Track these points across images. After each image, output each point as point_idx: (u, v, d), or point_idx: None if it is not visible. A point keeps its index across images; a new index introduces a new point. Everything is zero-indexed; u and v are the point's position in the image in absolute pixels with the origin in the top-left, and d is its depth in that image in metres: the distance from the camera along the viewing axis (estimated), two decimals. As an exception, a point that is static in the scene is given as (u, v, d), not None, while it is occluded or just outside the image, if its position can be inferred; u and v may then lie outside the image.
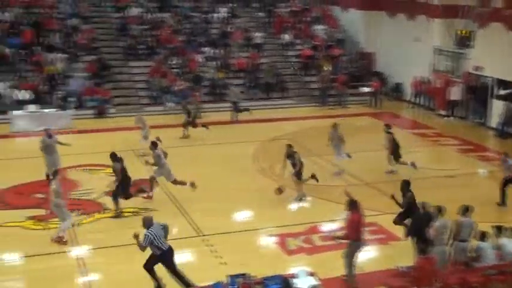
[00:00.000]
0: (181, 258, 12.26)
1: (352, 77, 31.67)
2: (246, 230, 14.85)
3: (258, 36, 33.24)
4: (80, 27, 30.91)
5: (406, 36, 30.25)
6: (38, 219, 15.31)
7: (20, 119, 24.80)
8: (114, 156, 15.77)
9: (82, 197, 16.97)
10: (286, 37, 33.87)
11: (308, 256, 13.46)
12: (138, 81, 29.83)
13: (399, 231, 13.65)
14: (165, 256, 11.38)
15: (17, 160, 20.43)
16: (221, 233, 14.36)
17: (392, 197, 13.36)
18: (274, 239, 14.20)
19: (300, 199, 16.69)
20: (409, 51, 29.96)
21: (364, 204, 12.07)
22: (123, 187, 15.69)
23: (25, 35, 29.23)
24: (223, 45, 32.28)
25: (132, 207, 15.96)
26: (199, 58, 31.03)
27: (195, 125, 23.73)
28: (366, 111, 29.20)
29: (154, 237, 11.18)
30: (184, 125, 23.65)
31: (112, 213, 15.65)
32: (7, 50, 28.23)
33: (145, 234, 11.22)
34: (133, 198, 16.05)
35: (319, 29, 34.72)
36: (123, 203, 15.69)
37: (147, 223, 11.41)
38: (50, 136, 17.90)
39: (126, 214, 15.61)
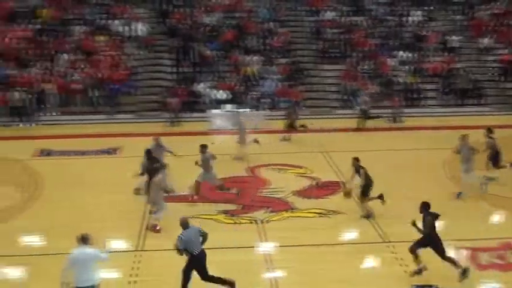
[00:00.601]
0: (364, 263, 12.16)
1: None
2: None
3: (454, 40, 31.97)
4: (275, 31, 31.98)
5: None
6: (230, 213, 16.11)
7: (218, 117, 26.29)
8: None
9: (271, 195, 17.54)
10: (486, 41, 32.15)
11: (501, 273, 12.72)
12: (330, 84, 30.14)
13: None
14: (194, 261, 11.45)
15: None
16: (407, 241, 14.02)
17: (414, 223, 12.15)
18: (464, 252, 13.58)
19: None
20: None
21: None
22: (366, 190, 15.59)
23: (225, 37, 30.89)
24: (417, 48, 31.51)
25: (319, 208, 16.20)
26: (391, 62, 30.60)
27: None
28: None
29: (185, 241, 11.34)
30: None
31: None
32: (208, 52, 30.03)
33: (178, 237, 11.44)
34: (321, 200, 16.25)
35: (524, 32, 32.53)
36: (311, 203, 15.93)
37: (183, 225, 11.58)
38: (158, 145, 17.94)
39: (310, 215, 15.88)
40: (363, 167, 15.53)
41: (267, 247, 14.14)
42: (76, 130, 25.18)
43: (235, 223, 15.49)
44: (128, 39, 30.43)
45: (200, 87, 28.51)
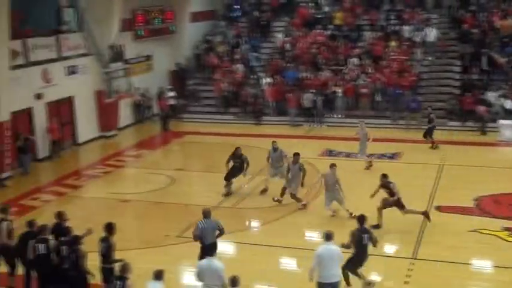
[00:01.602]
0: None
1: None
2: None
3: None
4: None
5: None
6: (513, 231, 15.21)
7: (508, 128, 24.79)
8: None
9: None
10: None
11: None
12: None
13: None
14: (204, 250, 12.01)
15: (500, 169, 20.62)
16: None
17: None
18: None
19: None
20: None
21: None
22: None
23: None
24: None
25: None
26: None
27: None
28: None
29: (200, 229, 12.14)
30: None
31: None
32: (502, 59, 28.38)
33: (197, 223, 12.28)
34: None
35: None
36: None
37: (204, 214, 12.38)
38: (275, 149, 18.21)
39: None
40: (391, 182, 15.35)
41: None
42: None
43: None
44: (418, 45, 30.29)
45: (490, 95, 27.14)
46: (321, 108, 28.12)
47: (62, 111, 25.19)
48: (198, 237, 12.41)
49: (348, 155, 22.66)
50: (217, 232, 12.46)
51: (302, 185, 17.25)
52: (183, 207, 18.03)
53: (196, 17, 33.94)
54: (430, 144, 23.55)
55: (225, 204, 17.95)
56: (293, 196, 17.28)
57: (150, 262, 12.76)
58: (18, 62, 22.51)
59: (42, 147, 23.72)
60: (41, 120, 23.67)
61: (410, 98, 27.30)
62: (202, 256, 12.03)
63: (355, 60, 29.97)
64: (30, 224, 12.42)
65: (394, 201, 15.42)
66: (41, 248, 11.74)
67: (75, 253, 11.53)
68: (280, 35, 32.99)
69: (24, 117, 23.07)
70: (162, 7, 31.55)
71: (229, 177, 18.49)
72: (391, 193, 15.44)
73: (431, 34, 30.34)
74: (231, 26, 34.67)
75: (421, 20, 31.46)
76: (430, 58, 30.02)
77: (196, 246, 12.49)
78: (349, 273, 12.04)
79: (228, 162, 18.45)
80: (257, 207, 17.58)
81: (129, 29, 28.86)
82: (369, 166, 21.03)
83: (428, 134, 23.80)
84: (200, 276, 10.68)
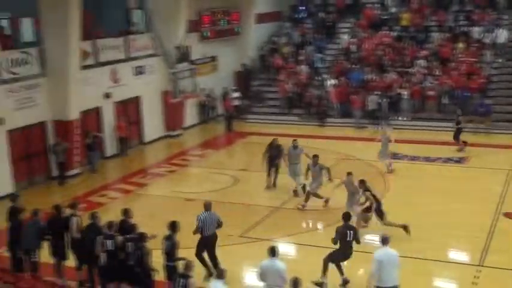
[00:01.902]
0: None
1: None
2: None
3: None
4: None
5: None
6: None
7: None
8: None
9: None
10: None
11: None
12: None
13: None
14: (203, 241, 12.92)
15: None
16: None
17: None
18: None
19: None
20: None
21: None
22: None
23: None
24: None
25: None
26: None
27: None
28: None
29: (201, 221, 12.75)
30: None
31: None
32: None
33: (197, 216, 12.87)
34: None
35: None
36: None
37: (205, 206, 13.05)
38: (295, 147, 18.62)
39: None
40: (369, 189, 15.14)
41: None
42: (425, 136, 25.46)
43: None
44: (488, 47, 29.47)
45: None
46: (386, 111, 27.75)
47: (129, 110, 25.76)
48: (200, 228, 12.91)
49: (413, 158, 22.26)
50: (216, 225, 13.10)
51: (331, 180, 17.37)
52: (245, 207, 18.13)
53: (262, 18, 34.06)
54: (472, 148, 23.04)
55: (288, 205, 17.95)
56: (314, 194, 17.49)
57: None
58: (88, 63, 23.18)
59: (110, 145, 24.33)
60: (109, 119, 24.28)
61: (478, 102, 26.58)
62: (203, 247, 12.96)
63: (422, 62, 29.42)
64: (93, 216, 12.79)
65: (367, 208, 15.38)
66: (109, 244, 12.05)
67: (140, 250, 11.76)
68: (345, 36, 32.73)
69: (93, 116, 23.72)
70: (228, 8, 31.83)
71: (269, 167, 19.27)
72: (375, 199, 15.18)
73: (502, 35, 29.49)
74: (296, 27, 34.64)
75: (491, 20, 30.61)
76: (500, 60, 29.17)
77: (260, 247, 12.51)
78: (330, 265, 12.45)
79: (265, 153, 19.22)
80: (317, 209, 17.45)
81: (195, 30, 29.25)
82: (390, 170, 20.68)
83: (456, 136, 23.30)
84: (262, 276, 10.72)
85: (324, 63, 31.86)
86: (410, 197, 18.10)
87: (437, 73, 28.61)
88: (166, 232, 11.94)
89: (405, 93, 28.05)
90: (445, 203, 17.33)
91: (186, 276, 10.35)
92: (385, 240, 10.91)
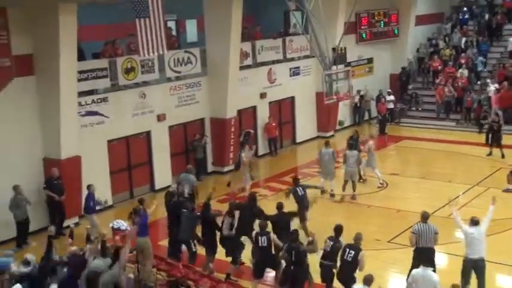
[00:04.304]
0: None
1: None
2: None
3: None
4: None
5: None
6: None
7: None
8: None
9: None
10: None
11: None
12: None
13: None
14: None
15: None
16: None
17: None
18: None
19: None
20: None
21: None
22: None
23: None
24: None
25: None
26: None
27: None
28: None
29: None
30: None
31: None
32: None
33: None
34: None
35: None
36: None
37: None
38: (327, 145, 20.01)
39: None
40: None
41: None
42: None
43: None
44: None
45: None
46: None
47: (283, 110, 26.23)
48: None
49: None
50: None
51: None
52: (395, 212, 17.78)
53: (422, 19, 33.13)
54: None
55: (439, 213, 17.34)
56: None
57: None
58: (247, 63, 23.91)
59: (262, 144, 24.92)
60: (263, 118, 24.89)
61: None
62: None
63: None
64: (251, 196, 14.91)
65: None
66: (263, 240, 12.46)
67: (301, 254, 11.99)
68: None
69: (248, 115, 24.44)
70: (387, 10, 31.30)
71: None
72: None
73: None
74: (459, 29, 33.28)
75: None
76: None
77: (405, 253, 12.23)
78: None
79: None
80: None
81: (352, 32, 29.09)
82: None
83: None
84: (413, 285, 10.50)
85: (486, 67, 30.35)
86: None
87: None
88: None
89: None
90: None
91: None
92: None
